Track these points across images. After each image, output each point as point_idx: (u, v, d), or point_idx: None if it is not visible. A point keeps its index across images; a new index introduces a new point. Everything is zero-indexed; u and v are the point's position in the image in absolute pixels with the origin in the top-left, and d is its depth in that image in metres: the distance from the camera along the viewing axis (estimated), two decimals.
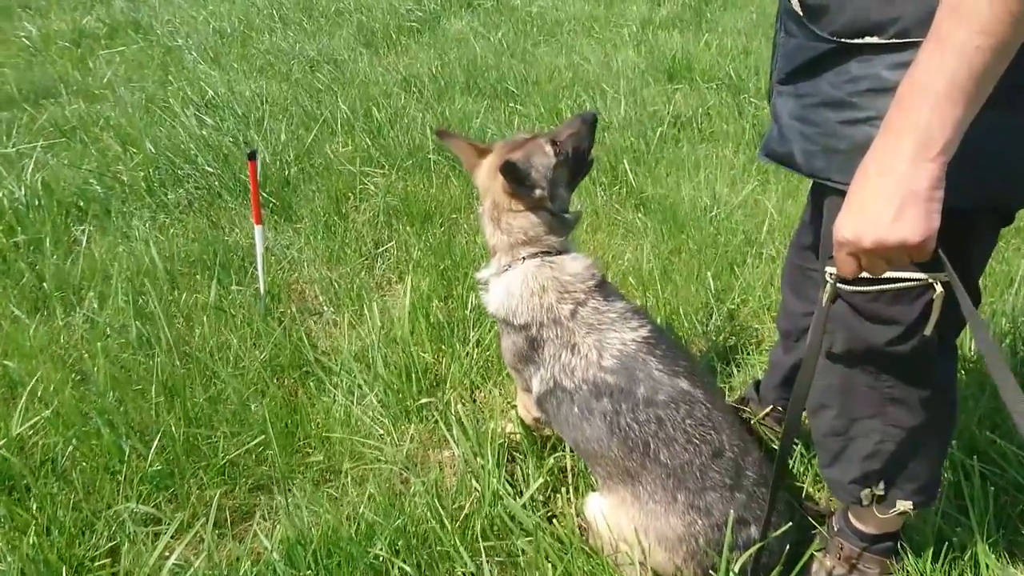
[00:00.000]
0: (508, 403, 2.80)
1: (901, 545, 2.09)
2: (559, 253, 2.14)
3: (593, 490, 2.39)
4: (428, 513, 2.17)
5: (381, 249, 3.79)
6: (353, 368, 2.85)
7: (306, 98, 5.76)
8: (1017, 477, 2.30)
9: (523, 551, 2.14)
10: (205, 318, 3.06)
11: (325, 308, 3.40)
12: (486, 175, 2.18)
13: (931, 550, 2.06)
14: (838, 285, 1.62)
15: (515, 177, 2.03)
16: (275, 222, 4.09)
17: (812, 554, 2.12)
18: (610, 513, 2.01)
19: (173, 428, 2.50)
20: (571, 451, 2.43)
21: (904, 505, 1.88)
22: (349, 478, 2.42)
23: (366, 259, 3.75)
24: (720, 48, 6.81)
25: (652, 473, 1.93)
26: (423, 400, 2.70)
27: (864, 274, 1.42)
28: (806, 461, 2.46)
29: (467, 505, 2.21)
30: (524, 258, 2.12)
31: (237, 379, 2.78)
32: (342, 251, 3.78)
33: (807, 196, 2.11)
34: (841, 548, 2.11)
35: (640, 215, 4.04)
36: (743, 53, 6.79)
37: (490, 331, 3.03)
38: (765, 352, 3.09)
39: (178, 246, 3.73)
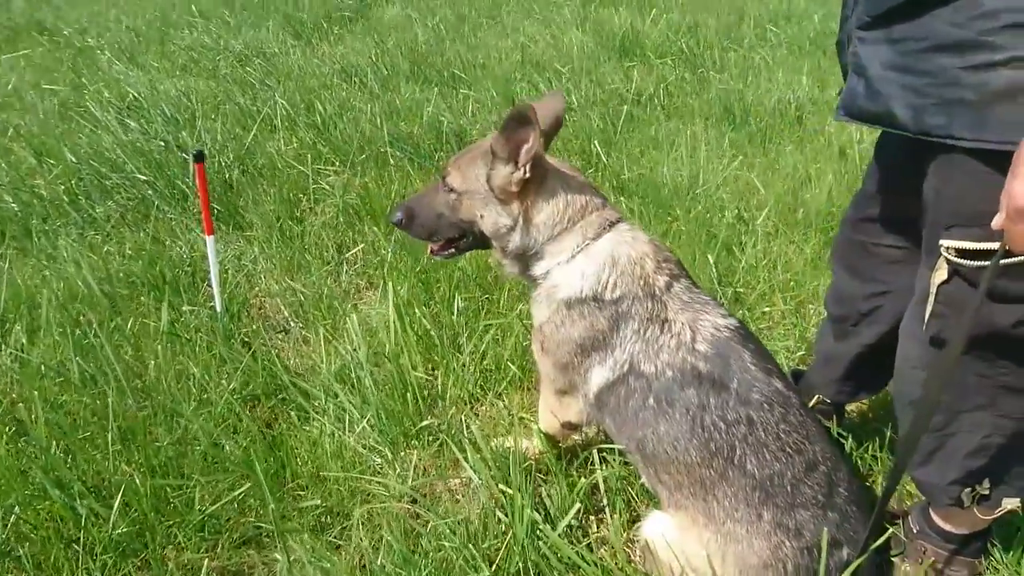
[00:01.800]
0: (515, 416, 2.51)
1: (992, 543, 1.88)
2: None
3: (634, 508, 2.13)
4: (461, 558, 1.85)
5: (348, 254, 3.42)
6: (337, 391, 2.50)
7: (239, 94, 5.31)
8: None
9: None
10: (159, 346, 2.65)
11: (292, 323, 3.03)
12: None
13: None
14: (959, 261, 1.38)
15: None
16: (222, 231, 3.68)
17: (891, 561, 1.90)
18: (677, 536, 1.73)
19: (137, 480, 2.11)
20: (604, 464, 2.15)
21: (1012, 503, 1.66)
22: (355, 521, 2.08)
23: (329, 265, 3.39)
24: (668, 23, 6.62)
25: (734, 485, 1.66)
26: (425, 422, 2.38)
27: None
28: (876, 456, 2.24)
29: (502, 544, 1.90)
30: (611, 224, 1.89)
31: (204, 415, 2.40)
32: (302, 258, 3.41)
33: (871, 162, 1.86)
34: (924, 552, 1.88)
35: (622, 197, 3.78)
36: (691, 27, 6.62)
37: (484, 337, 2.72)
38: (779, 337, 2.87)
39: (115, 265, 3.30)
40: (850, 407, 2.43)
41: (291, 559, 1.92)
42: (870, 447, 2.25)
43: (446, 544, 1.90)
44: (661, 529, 1.77)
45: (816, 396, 2.25)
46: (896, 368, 1.75)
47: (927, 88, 1.33)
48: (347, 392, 2.51)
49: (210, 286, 3.01)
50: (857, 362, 2.07)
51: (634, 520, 2.12)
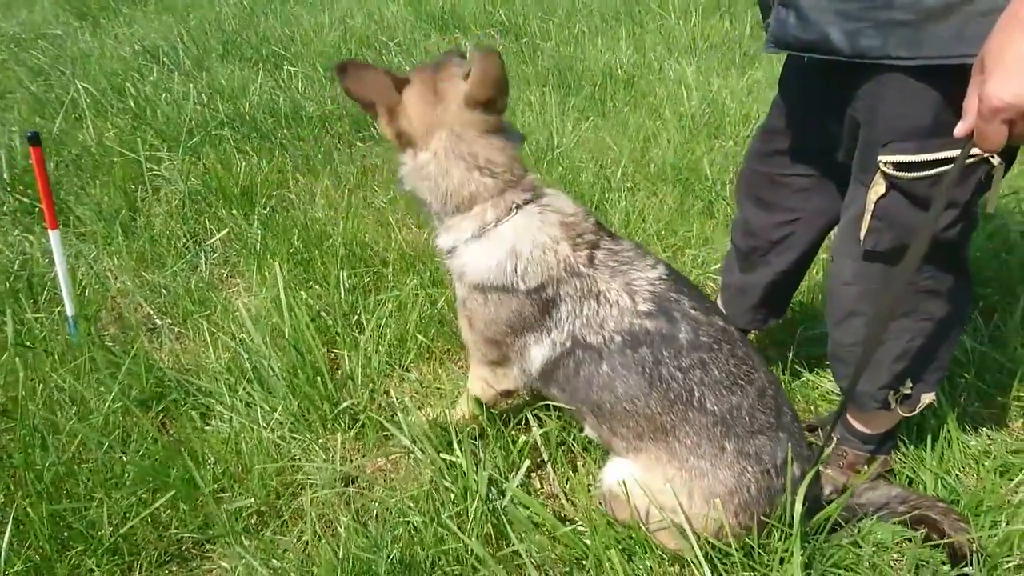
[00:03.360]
0: (427, 388, 2.44)
1: (900, 437, 2.08)
2: (536, 189, 1.84)
3: (574, 459, 2.15)
4: (431, 530, 1.77)
5: (209, 241, 3.15)
6: (240, 384, 2.30)
7: (28, 81, 4.70)
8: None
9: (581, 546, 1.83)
10: (17, 359, 2.30)
11: (158, 321, 2.74)
12: (429, 103, 1.77)
13: (929, 436, 2.08)
14: (896, 174, 1.50)
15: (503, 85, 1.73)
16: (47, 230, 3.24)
17: (818, 471, 2.05)
18: (644, 476, 1.75)
19: (29, 510, 1.83)
20: (538, 422, 2.14)
21: (929, 397, 1.84)
22: (295, 513, 1.93)
23: (184, 256, 3.09)
24: None
25: (695, 424, 1.70)
26: (345, 403, 2.25)
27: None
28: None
29: (465, 510, 1.84)
30: (517, 206, 1.78)
31: (86, 428, 2.12)
32: (153, 252, 3.09)
33: (776, 98, 1.96)
34: (844, 456, 2.05)
35: None
36: None
37: (382, 313, 2.61)
38: None
39: None
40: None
41: (243, 562, 1.74)
42: (773, 370, 2.41)
43: (416, 519, 1.81)
44: (626, 471, 1.79)
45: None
46: (828, 288, 1.87)
47: (861, 12, 1.41)
48: (249, 384, 2.32)
49: (55, 289, 2.65)
50: (770, 289, 2.19)
51: (573, 474, 2.14)
